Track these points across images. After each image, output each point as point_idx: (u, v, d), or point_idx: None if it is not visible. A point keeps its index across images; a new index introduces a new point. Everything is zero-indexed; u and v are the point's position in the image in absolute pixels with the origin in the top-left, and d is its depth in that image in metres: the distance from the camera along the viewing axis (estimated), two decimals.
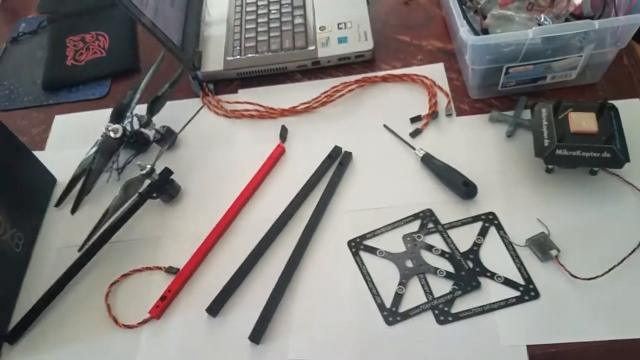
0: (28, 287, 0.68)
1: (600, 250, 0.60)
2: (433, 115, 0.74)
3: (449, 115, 0.74)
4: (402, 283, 0.62)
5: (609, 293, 0.58)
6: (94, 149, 0.75)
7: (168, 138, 0.76)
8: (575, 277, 0.59)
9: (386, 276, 0.62)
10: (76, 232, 0.71)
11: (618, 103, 0.66)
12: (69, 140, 0.82)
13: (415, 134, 0.73)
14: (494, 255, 0.62)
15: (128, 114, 0.74)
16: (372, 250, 0.65)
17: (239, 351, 0.59)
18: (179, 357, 0.60)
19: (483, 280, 0.61)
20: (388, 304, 0.60)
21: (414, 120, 0.74)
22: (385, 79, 0.79)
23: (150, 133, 0.77)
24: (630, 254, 0.59)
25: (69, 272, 0.66)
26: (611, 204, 0.64)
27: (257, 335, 0.59)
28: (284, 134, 0.76)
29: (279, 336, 0.60)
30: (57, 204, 0.75)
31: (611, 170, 0.66)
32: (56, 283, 0.66)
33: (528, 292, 0.59)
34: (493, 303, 0.59)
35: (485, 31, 0.70)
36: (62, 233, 0.72)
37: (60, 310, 0.66)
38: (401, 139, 0.73)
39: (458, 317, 0.59)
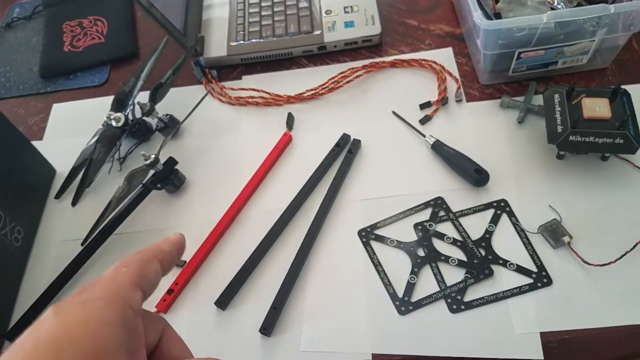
0: (29, 282, 0.67)
1: (612, 237, 0.60)
2: (443, 101, 0.73)
3: (458, 101, 0.73)
4: (414, 272, 0.61)
5: (621, 279, 0.57)
6: (95, 138, 0.73)
7: (171, 127, 0.74)
8: (588, 264, 0.58)
9: (398, 265, 0.61)
10: (78, 225, 0.69)
11: (629, 88, 0.65)
12: (68, 129, 0.80)
13: (424, 120, 0.72)
14: (506, 242, 0.62)
15: (130, 101, 0.72)
16: (383, 239, 0.64)
17: (250, 344, 0.58)
18: None
19: (496, 268, 0.60)
20: (400, 294, 0.60)
21: (424, 106, 0.73)
22: (393, 64, 0.78)
23: (152, 121, 0.75)
24: None
25: (72, 266, 0.64)
26: (622, 190, 0.63)
27: (268, 327, 0.58)
28: (290, 121, 0.74)
29: (290, 328, 0.59)
30: (57, 196, 0.73)
31: (622, 156, 0.65)
32: (59, 277, 0.64)
33: (541, 279, 0.59)
34: (506, 291, 0.58)
35: (497, 15, 0.68)
36: (63, 226, 0.71)
37: None
38: (411, 126, 0.71)
39: (471, 305, 0.58)
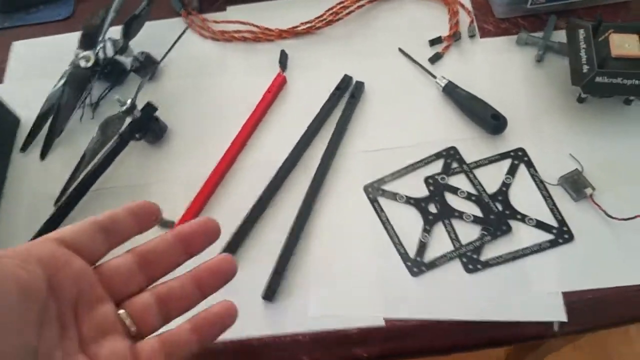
0: None
1: (638, 188, 0.56)
2: (455, 36, 0.65)
3: (472, 36, 0.66)
4: (426, 230, 0.56)
5: None
6: (62, 81, 0.64)
7: (148, 67, 0.65)
8: (612, 217, 0.54)
9: (408, 223, 0.56)
10: (49, 181, 0.62)
11: None
12: (32, 70, 0.71)
13: (435, 59, 0.65)
14: (524, 195, 0.57)
15: (100, 38, 0.63)
16: (391, 195, 0.58)
17: (252, 311, 0.53)
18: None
19: (514, 224, 0.56)
20: (412, 254, 0.55)
21: (434, 42, 0.66)
22: None
23: (127, 61, 0.66)
24: None
25: (46, 228, 0.57)
26: None
27: (271, 292, 0.53)
28: (284, 60, 0.66)
29: (295, 293, 0.54)
30: (23, 149, 0.65)
31: None
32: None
33: (562, 234, 0.55)
34: (525, 248, 0.54)
35: None
36: (32, 182, 0.63)
37: None
38: (420, 65, 0.64)
39: (488, 264, 0.54)
